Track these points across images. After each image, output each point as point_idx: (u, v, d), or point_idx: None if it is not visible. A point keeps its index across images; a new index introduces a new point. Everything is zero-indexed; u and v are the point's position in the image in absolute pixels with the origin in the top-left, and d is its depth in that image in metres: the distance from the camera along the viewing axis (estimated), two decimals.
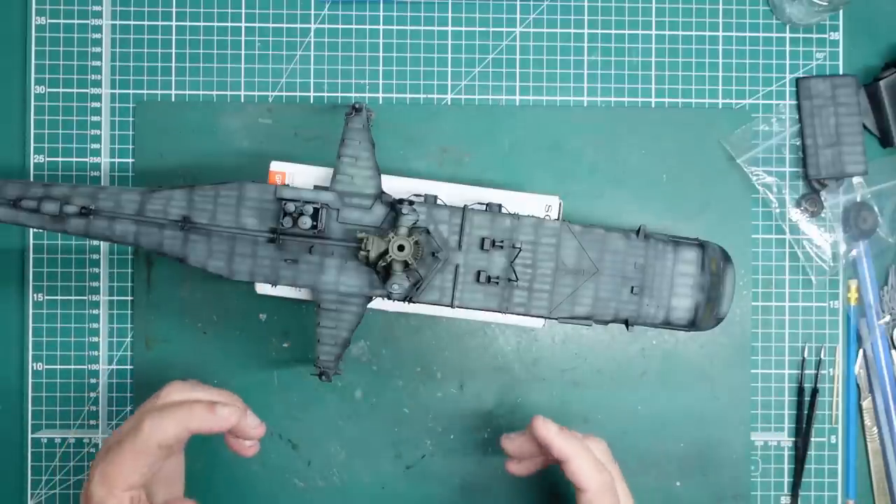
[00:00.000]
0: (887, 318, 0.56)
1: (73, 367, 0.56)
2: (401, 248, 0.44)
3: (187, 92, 0.56)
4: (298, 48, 0.56)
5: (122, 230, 0.46)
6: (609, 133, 0.56)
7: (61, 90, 0.56)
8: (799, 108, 0.56)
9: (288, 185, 0.48)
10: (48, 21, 0.56)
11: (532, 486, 0.56)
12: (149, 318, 0.56)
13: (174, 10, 0.56)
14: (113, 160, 0.56)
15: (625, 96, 0.56)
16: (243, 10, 0.56)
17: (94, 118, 0.56)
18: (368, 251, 0.44)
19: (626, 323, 0.47)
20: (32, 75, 0.56)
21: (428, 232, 0.46)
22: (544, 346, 0.56)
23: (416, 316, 0.54)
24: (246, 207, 0.46)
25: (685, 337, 0.56)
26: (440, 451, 0.56)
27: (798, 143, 0.56)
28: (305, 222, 0.45)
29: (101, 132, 0.56)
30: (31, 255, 0.56)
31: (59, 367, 0.56)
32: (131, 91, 0.56)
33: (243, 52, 0.56)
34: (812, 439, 0.56)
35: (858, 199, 0.56)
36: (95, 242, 0.56)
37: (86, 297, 0.56)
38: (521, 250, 0.46)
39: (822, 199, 0.56)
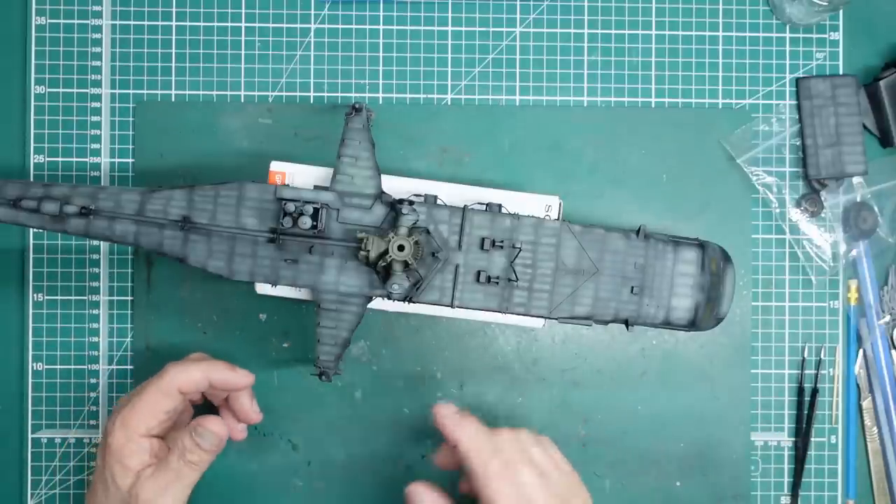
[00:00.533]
0: (887, 318, 0.56)
1: (73, 367, 0.56)
2: (401, 248, 0.44)
3: (187, 92, 0.56)
4: (298, 48, 0.56)
5: (122, 230, 0.46)
6: (609, 133, 0.56)
7: (61, 90, 0.56)
8: (799, 108, 0.56)
9: (288, 185, 0.48)
10: (48, 21, 0.56)
11: None
12: (149, 318, 0.56)
13: (174, 10, 0.56)
14: (113, 160, 0.56)
15: (625, 96, 0.56)
16: (243, 10, 0.56)
17: (94, 118, 0.56)
18: (368, 251, 0.44)
19: (626, 323, 0.47)
20: (32, 75, 0.56)
21: (428, 232, 0.46)
22: (544, 346, 0.56)
23: (416, 316, 0.54)
24: (246, 207, 0.46)
25: (685, 337, 0.56)
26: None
27: (798, 143, 0.56)
28: (305, 222, 0.45)
29: (101, 132, 0.56)
30: (31, 255, 0.56)
31: (59, 367, 0.56)
32: (131, 91, 0.56)
33: (243, 52, 0.56)
34: (812, 439, 0.56)
35: (858, 199, 0.56)
36: (95, 242, 0.56)
37: (86, 297, 0.56)
38: (521, 250, 0.46)
39: (822, 199, 0.56)
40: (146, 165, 0.55)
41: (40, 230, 0.51)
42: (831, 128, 0.55)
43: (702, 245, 0.48)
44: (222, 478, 0.55)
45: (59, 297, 0.56)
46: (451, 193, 0.48)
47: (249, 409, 0.51)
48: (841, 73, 0.57)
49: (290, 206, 0.45)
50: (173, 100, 0.56)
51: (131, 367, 0.56)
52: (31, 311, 0.56)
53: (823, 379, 0.56)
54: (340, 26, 0.56)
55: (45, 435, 0.55)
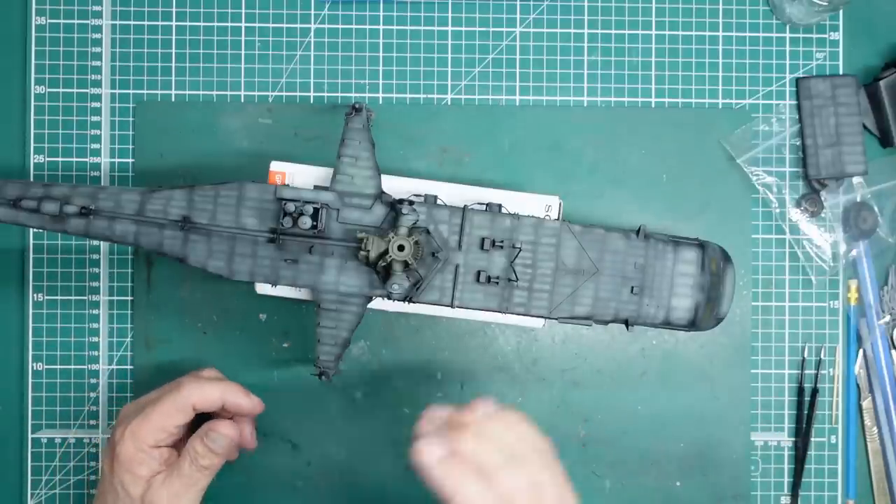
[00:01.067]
0: (887, 318, 0.56)
1: (73, 367, 0.56)
2: (401, 248, 0.44)
3: (187, 92, 0.56)
4: (298, 48, 0.56)
5: (122, 230, 0.46)
6: (609, 133, 0.56)
7: (61, 90, 0.56)
8: (799, 108, 0.56)
9: (288, 185, 0.48)
10: (48, 21, 0.56)
11: None
12: (149, 318, 0.55)
13: (174, 10, 0.56)
14: (113, 160, 0.56)
15: (625, 96, 0.56)
16: (243, 10, 0.56)
17: (94, 118, 0.56)
18: (368, 251, 0.44)
19: (626, 323, 0.47)
20: (32, 75, 0.56)
21: (428, 232, 0.46)
22: (544, 346, 0.56)
23: (416, 316, 0.54)
24: (246, 207, 0.46)
25: (685, 337, 0.56)
26: None
27: (798, 143, 0.56)
28: (305, 222, 0.45)
29: (101, 132, 0.56)
30: (31, 255, 0.56)
31: (59, 367, 0.56)
32: (131, 91, 0.56)
33: (243, 52, 0.56)
34: (812, 439, 0.56)
35: (858, 199, 0.56)
36: (95, 242, 0.56)
37: (86, 297, 0.56)
38: (521, 250, 0.46)
39: (822, 199, 0.56)
40: (146, 165, 0.55)
41: (40, 230, 0.51)
42: (831, 128, 0.55)
43: (702, 245, 0.48)
44: (222, 478, 0.55)
45: (59, 297, 0.56)
46: (451, 193, 0.48)
47: (249, 434, 0.51)
48: (841, 73, 0.57)
49: (290, 206, 0.45)
50: (173, 100, 0.56)
51: (131, 367, 0.56)
52: (31, 311, 0.55)
53: (823, 379, 0.56)
54: (340, 26, 0.56)
55: (45, 435, 0.55)
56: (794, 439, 0.56)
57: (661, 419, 0.56)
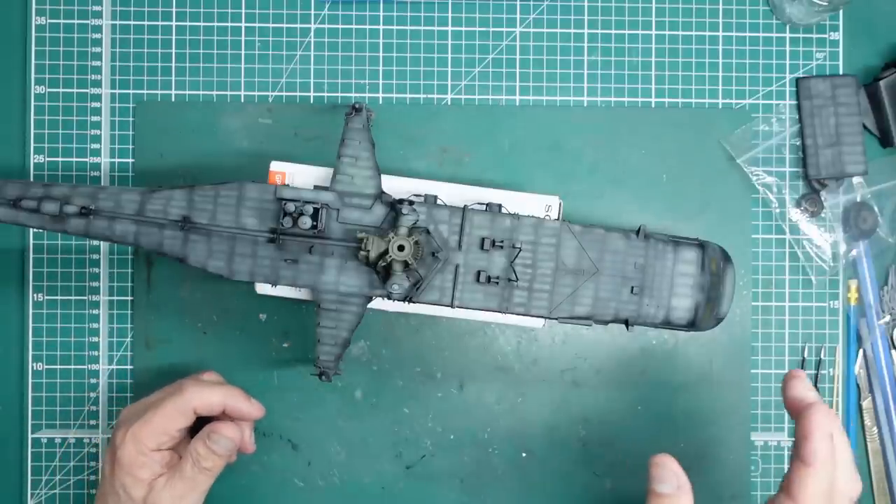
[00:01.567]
0: (887, 318, 0.56)
1: (73, 367, 0.56)
2: (401, 248, 0.44)
3: (187, 92, 0.56)
4: (298, 48, 0.56)
5: (122, 230, 0.46)
6: (609, 133, 0.56)
7: (61, 90, 0.56)
8: (799, 108, 0.56)
9: (288, 185, 0.48)
10: (48, 21, 0.56)
11: (533, 485, 0.56)
12: (149, 318, 0.56)
13: (174, 10, 0.56)
14: (113, 160, 0.56)
15: (625, 96, 0.56)
16: (243, 10, 0.56)
17: (94, 118, 0.56)
18: (368, 251, 0.44)
19: (626, 323, 0.47)
20: (32, 75, 0.56)
21: (428, 232, 0.46)
22: (544, 346, 0.56)
23: (416, 316, 0.54)
24: (246, 207, 0.46)
25: (685, 337, 0.56)
26: (440, 451, 0.56)
27: (798, 143, 0.56)
28: (305, 222, 0.45)
29: (101, 132, 0.56)
30: (31, 255, 0.56)
31: (59, 367, 0.56)
32: (131, 91, 0.56)
33: (243, 52, 0.56)
34: None
35: (858, 199, 0.56)
36: (95, 242, 0.56)
37: (86, 297, 0.56)
38: (521, 250, 0.46)
39: (822, 199, 0.56)
40: (146, 165, 0.55)
41: (40, 230, 0.51)
42: (831, 128, 0.55)
43: (702, 245, 0.48)
44: (222, 478, 0.55)
45: (59, 297, 0.56)
46: (451, 193, 0.48)
47: (249, 439, 0.51)
48: (841, 73, 0.57)
49: (290, 206, 0.45)
50: (173, 100, 0.56)
51: (131, 367, 0.56)
52: (31, 311, 0.56)
53: (823, 379, 0.56)
54: (340, 26, 0.56)
55: (45, 435, 0.55)
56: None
57: (661, 419, 0.56)
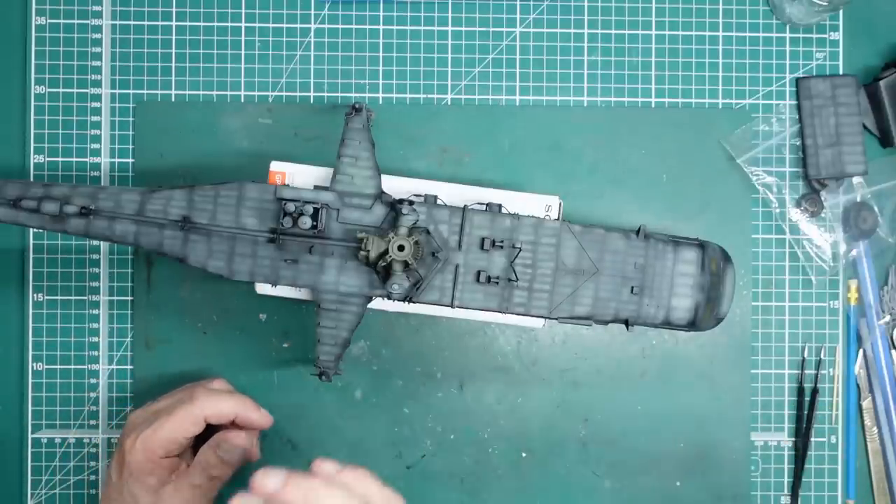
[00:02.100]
0: (887, 318, 0.56)
1: (73, 367, 0.56)
2: (401, 248, 0.44)
3: (187, 92, 0.56)
4: (298, 48, 0.56)
5: (122, 230, 0.46)
6: (609, 133, 0.56)
7: (61, 90, 0.56)
8: (799, 108, 0.56)
9: (288, 185, 0.48)
10: (48, 21, 0.56)
11: (533, 485, 0.56)
12: (149, 318, 0.55)
13: (174, 10, 0.56)
14: (113, 160, 0.56)
15: (625, 96, 0.56)
16: (243, 10, 0.56)
17: (94, 118, 0.56)
18: (368, 251, 0.44)
19: (626, 323, 0.47)
20: (32, 75, 0.55)
21: (428, 232, 0.46)
22: (544, 346, 0.56)
23: (416, 316, 0.54)
24: (246, 207, 0.46)
25: (685, 337, 0.56)
26: (440, 451, 0.56)
27: (798, 143, 0.56)
28: (305, 222, 0.45)
29: (101, 132, 0.56)
30: (31, 255, 0.55)
31: (59, 367, 0.56)
32: (131, 91, 0.56)
33: (243, 52, 0.56)
34: (812, 439, 0.56)
35: (858, 199, 0.56)
36: (95, 242, 0.56)
37: (86, 297, 0.56)
38: (521, 250, 0.46)
39: (822, 199, 0.56)
40: (146, 165, 0.55)
41: (40, 230, 0.51)
42: (831, 128, 0.55)
43: (702, 245, 0.48)
44: None
45: (59, 297, 0.56)
46: (451, 193, 0.48)
47: (256, 447, 0.51)
48: (841, 73, 0.57)
49: (290, 206, 0.45)
50: (173, 100, 0.56)
51: (131, 367, 0.56)
52: (31, 311, 0.55)
53: (823, 379, 0.56)
54: (340, 26, 0.56)
55: (45, 435, 0.55)
56: (793, 439, 0.56)
57: (661, 419, 0.56)
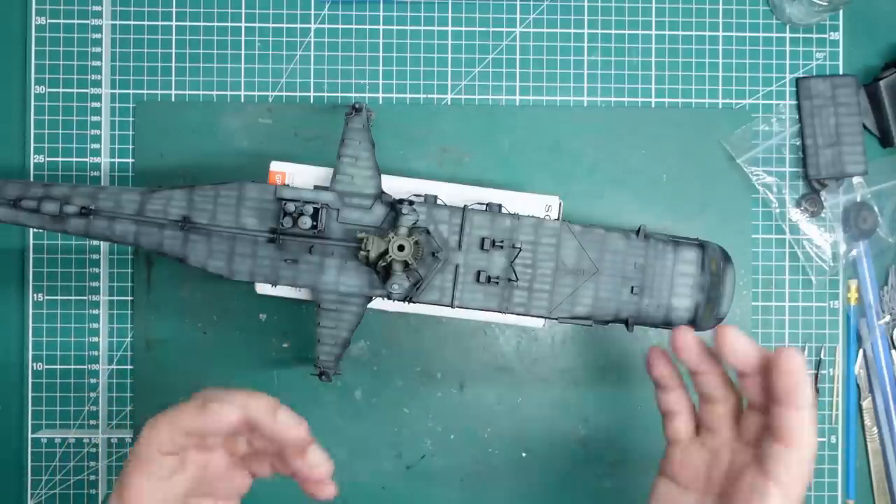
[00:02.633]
0: (887, 318, 0.56)
1: (73, 367, 0.56)
2: (401, 248, 0.44)
3: (187, 92, 0.56)
4: (298, 48, 0.56)
5: (122, 230, 0.46)
6: (609, 133, 0.56)
7: (61, 90, 0.56)
8: (799, 108, 0.56)
9: (288, 185, 0.48)
10: (48, 21, 0.56)
11: (533, 485, 0.56)
12: (149, 318, 0.55)
13: (174, 10, 0.56)
14: (113, 160, 0.56)
15: (625, 96, 0.56)
16: (243, 10, 0.56)
17: (94, 118, 0.56)
18: (368, 251, 0.44)
19: (627, 323, 0.47)
20: (32, 75, 0.56)
21: (428, 232, 0.46)
22: (544, 346, 0.56)
23: (416, 316, 0.54)
24: (246, 207, 0.46)
25: None
26: (440, 451, 0.56)
27: (798, 143, 0.56)
28: (305, 222, 0.45)
29: (101, 132, 0.56)
30: (31, 255, 0.56)
31: (59, 367, 0.56)
32: (131, 91, 0.56)
33: (243, 52, 0.56)
34: None
35: (858, 199, 0.56)
36: (95, 242, 0.56)
37: (86, 297, 0.56)
38: (521, 250, 0.46)
39: (822, 199, 0.56)
40: (146, 165, 0.55)
41: (40, 230, 0.51)
42: (831, 128, 0.55)
43: (702, 245, 0.48)
44: None
45: (59, 297, 0.56)
46: (451, 193, 0.48)
47: (307, 465, 0.45)
48: (841, 73, 0.57)
49: (290, 206, 0.45)
50: (173, 100, 0.56)
51: (131, 367, 0.56)
52: (31, 311, 0.55)
53: (823, 379, 0.56)
54: (340, 26, 0.56)
55: (45, 435, 0.55)
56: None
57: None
